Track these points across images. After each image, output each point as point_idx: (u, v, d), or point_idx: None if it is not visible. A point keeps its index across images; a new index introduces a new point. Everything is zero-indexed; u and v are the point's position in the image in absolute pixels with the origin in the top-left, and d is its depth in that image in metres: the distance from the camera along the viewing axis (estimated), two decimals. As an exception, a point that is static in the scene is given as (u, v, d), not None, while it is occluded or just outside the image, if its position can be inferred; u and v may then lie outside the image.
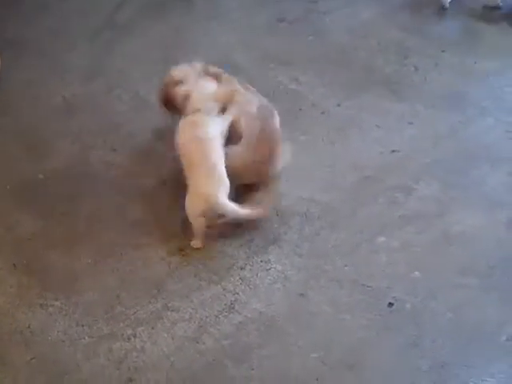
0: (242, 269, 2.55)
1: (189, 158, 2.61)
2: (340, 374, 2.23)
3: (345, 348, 2.31)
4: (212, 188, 2.54)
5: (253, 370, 2.24)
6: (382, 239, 2.68)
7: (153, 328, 2.36)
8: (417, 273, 2.55)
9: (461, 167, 2.99)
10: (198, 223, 2.58)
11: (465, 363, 2.26)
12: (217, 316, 2.39)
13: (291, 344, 2.32)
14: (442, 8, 3.92)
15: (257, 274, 2.53)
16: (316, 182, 2.91)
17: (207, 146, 2.59)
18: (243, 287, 2.49)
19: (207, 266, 2.57)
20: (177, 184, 2.82)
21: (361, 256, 2.62)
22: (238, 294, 2.46)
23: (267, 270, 2.55)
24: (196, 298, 2.45)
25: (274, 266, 2.56)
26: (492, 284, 2.52)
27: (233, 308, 2.42)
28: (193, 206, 2.57)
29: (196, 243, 2.61)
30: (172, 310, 2.41)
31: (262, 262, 2.58)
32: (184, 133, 2.66)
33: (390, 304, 2.44)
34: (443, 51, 3.65)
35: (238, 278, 2.52)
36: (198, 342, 2.31)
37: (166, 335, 2.34)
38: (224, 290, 2.48)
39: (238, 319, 2.38)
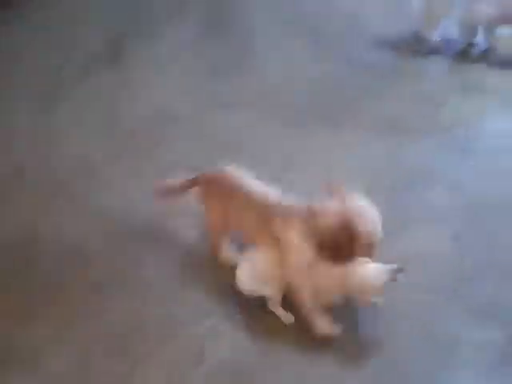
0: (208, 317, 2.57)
1: None
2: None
3: None
4: None
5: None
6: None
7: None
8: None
9: (403, 188, 3.07)
10: None
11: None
12: (186, 367, 2.40)
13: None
14: (429, 47, 3.99)
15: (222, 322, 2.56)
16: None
17: None
18: (210, 336, 2.50)
19: (173, 317, 2.58)
20: (135, 245, 2.85)
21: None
22: (205, 343, 2.48)
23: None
24: (163, 351, 2.46)
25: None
26: (450, 297, 2.60)
27: (202, 357, 2.43)
28: None
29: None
30: (142, 369, 2.41)
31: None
32: None
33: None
34: (375, 79, 3.77)
35: (203, 327, 2.53)
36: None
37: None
38: (191, 339, 2.49)
39: (206, 369, 2.39)
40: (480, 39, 3.90)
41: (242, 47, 4.07)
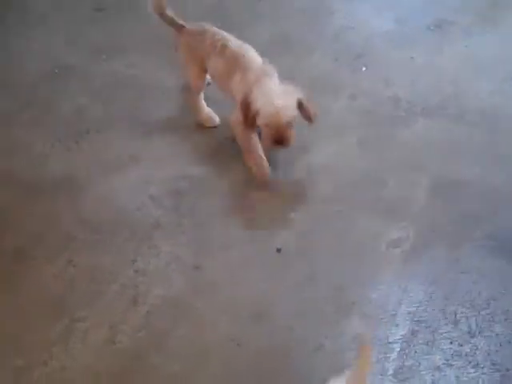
0: (133, 261, 2.62)
1: None
2: (252, 328, 2.38)
3: (249, 303, 2.45)
4: None
5: (173, 352, 2.33)
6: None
7: (67, 344, 2.38)
8: (293, 214, 2.73)
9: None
10: None
11: (357, 281, 2.50)
12: (124, 313, 2.46)
13: (201, 316, 2.43)
14: None
15: (149, 262, 2.62)
16: (178, 159, 3.01)
17: None
18: (140, 278, 2.56)
19: (99, 269, 2.61)
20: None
21: (238, 214, 2.77)
22: (137, 286, 2.53)
23: (157, 254, 2.64)
24: (99, 302, 2.50)
25: (163, 248, 2.66)
26: (359, 204, 2.75)
27: (136, 301, 2.49)
28: None
29: None
30: (80, 321, 2.44)
31: (150, 248, 2.66)
32: None
33: (278, 250, 2.60)
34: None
35: (132, 271, 2.59)
36: (114, 343, 2.37)
37: (81, 346, 2.37)
38: (123, 286, 2.54)
39: (144, 310, 2.46)
40: None
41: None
